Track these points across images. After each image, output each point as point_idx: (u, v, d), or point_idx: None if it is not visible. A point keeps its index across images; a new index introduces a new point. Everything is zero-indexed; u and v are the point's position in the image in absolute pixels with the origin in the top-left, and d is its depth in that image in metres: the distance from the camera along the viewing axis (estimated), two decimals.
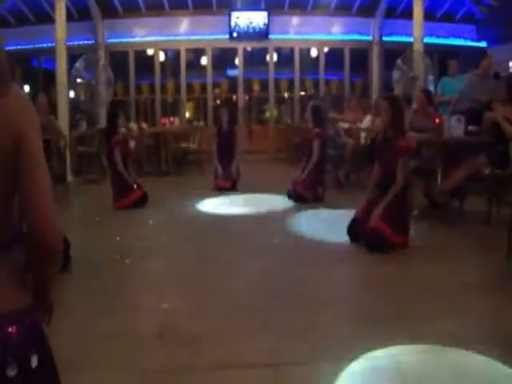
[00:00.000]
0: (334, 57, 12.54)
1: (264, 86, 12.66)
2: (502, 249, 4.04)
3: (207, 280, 4.00)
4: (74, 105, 10.08)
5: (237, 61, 12.45)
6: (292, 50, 12.49)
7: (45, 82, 12.02)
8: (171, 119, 11.68)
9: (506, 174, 5.27)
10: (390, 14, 12.00)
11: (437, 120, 6.18)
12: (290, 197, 6.89)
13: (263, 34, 11.99)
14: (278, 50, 12.62)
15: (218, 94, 12.83)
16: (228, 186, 7.78)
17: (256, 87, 12.77)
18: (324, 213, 6.32)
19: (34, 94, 10.32)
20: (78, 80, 10.45)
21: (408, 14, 10.37)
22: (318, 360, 2.71)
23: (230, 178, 7.86)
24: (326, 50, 12.53)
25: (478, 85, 6.83)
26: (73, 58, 9.95)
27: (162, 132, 10.05)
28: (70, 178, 8.68)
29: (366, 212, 4.71)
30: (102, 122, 9.74)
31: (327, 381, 2.49)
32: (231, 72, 12.91)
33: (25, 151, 1.19)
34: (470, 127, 5.95)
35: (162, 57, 12.39)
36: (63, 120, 8.98)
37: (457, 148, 5.86)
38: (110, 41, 11.91)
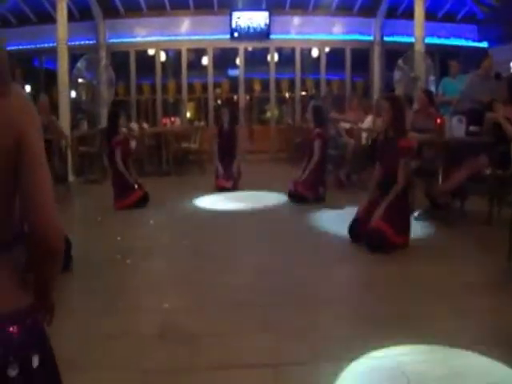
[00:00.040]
0: (335, 57, 12.53)
1: (265, 86, 12.65)
2: (504, 249, 4.04)
3: (208, 277, 4.02)
4: (75, 105, 10.09)
5: (238, 61, 12.45)
6: (293, 50, 12.48)
7: (46, 82, 12.02)
8: (172, 119, 11.69)
9: (508, 174, 5.26)
10: (392, 14, 11.99)
11: (438, 120, 6.18)
12: (290, 197, 6.89)
13: (264, 33, 11.99)
14: (279, 50, 12.61)
15: (219, 93, 12.83)
16: (229, 185, 7.78)
17: (257, 87, 12.77)
18: (325, 212, 6.32)
19: (35, 93, 10.33)
20: (80, 80, 10.45)
21: (409, 14, 10.36)
22: (318, 360, 2.71)
23: (231, 178, 7.87)
24: (327, 50, 12.52)
25: (479, 85, 6.82)
26: (74, 57, 9.95)
27: (163, 132, 10.05)
28: (71, 178, 8.69)
29: (367, 212, 4.72)
30: (104, 122, 9.73)
31: (327, 381, 2.49)
32: (232, 72, 12.91)
33: (26, 151, 1.19)
34: (472, 128, 5.95)
35: (163, 57, 12.39)
36: (64, 120, 8.99)
37: (458, 148, 5.86)
38: (111, 41, 11.92)
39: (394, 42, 12.05)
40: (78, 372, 2.36)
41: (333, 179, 7.89)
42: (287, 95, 12.85)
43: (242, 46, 12.29)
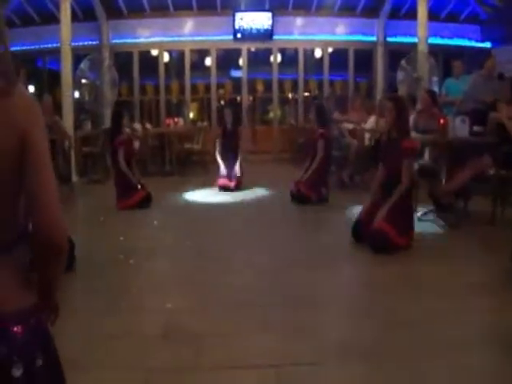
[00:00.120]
0: (339, 57, 12.53)
1: (268, 86, 12.66)
2: (507, 249, 4.03)
3: (211, 277, 4.02)
4: (78, 105, 10.12)
5: (241, 61, 12.46)
6: (296, 51, 12.48)
7: (50, 82, 12.05)
8: (175, 120, 11.68)
9: (511, 174, 5.25)
10: (395, 14, 11.98)
11: (441, 121, 6.17)
12: (293, 197, 6.87)
13: (267, 34, 11.99)
14: (282, 51, 12.63)
15: (222, 94, 12.84)
16: (232, 186, 7.79)
17: (260, 88, 12.77)
18: (328, 213, 6.31)
19: (38, 94, 10.34)
20: (83, 80, 10.49)
21: (412, 15, 10.35)
22: (320, 360, 2.71)
23: (234, 178, 7.88)
24: (330, 50, 12.52)
25: (483, 85, 6.81)
26: (78, 58, 9.99)
27: (167, 132, 10.07)
28: (74, 178, 8.70)
29: (370, 213, 4.71)
30: (107, 123, 9.75)
31: (329, 381, 2.49)
32: (235, 73, 12.92)
33: (30, 151, 1.19)
34: (475, 128, 5.95)
35: (166, 57, 12.42)
36: (68, 120, 9.01)
37: (461, 149, 5.85)
38: (114, 41, 11.94)
39: (397, 43, 12.03)
40: (80, 372, 2.36)
41: (336, 180, 7.88)
42: (290, 96, 12.85)
43: (245, 47, 12.31)
